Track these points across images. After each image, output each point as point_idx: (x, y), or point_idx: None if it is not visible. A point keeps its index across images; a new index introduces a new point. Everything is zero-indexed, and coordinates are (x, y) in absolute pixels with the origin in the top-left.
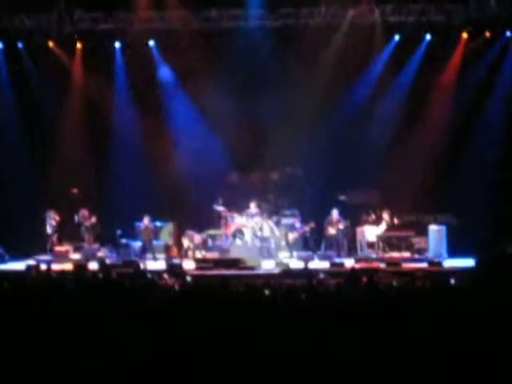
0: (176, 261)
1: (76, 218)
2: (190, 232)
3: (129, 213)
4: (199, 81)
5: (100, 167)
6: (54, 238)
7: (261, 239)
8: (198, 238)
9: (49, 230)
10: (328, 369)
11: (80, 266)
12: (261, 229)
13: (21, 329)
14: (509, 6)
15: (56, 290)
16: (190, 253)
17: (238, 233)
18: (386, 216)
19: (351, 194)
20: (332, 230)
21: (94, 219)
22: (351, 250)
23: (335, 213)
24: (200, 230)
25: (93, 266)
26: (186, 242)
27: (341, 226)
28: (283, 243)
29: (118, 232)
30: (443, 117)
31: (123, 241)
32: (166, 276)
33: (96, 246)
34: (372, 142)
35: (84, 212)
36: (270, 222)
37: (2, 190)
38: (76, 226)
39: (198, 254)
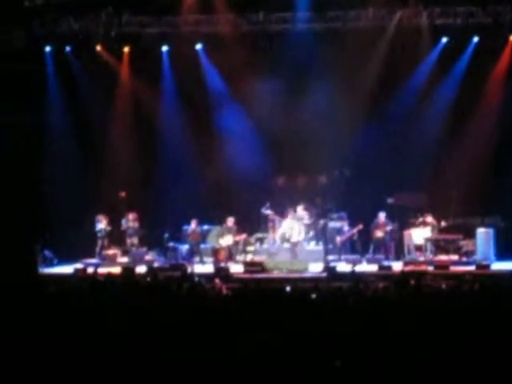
0: (223, 264)
1: (124, 221)
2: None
3: (176, 216)
4: (246, 83)
5: (148, 171)
6: (104, 241)
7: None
8: (240, 236)
9: (98, 234)
10: (377, 373)
11: (128, 270)
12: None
13: (64, 332)
14: None
15: (102, 293)
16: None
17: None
18: (432, 219)
19: (399, 197)
20: (379, 233)
21: (137, 223)
22: (399, 253)
23: (382, 216)
24: (248, 233)
25: (140, 269)
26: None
27: (387, 229)
28: (331, 246)
29: (166, 235)
30: (491, 119)
31: (171, 244)
32: (217, 280)
33: (144, 249)
34: (419, 145)
35: (132, 215)
36: (300, 225)
37: (51, 193)
38: (123, 230)
39: (242, 256)
